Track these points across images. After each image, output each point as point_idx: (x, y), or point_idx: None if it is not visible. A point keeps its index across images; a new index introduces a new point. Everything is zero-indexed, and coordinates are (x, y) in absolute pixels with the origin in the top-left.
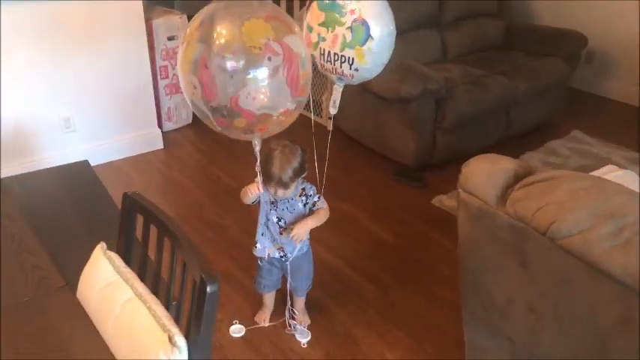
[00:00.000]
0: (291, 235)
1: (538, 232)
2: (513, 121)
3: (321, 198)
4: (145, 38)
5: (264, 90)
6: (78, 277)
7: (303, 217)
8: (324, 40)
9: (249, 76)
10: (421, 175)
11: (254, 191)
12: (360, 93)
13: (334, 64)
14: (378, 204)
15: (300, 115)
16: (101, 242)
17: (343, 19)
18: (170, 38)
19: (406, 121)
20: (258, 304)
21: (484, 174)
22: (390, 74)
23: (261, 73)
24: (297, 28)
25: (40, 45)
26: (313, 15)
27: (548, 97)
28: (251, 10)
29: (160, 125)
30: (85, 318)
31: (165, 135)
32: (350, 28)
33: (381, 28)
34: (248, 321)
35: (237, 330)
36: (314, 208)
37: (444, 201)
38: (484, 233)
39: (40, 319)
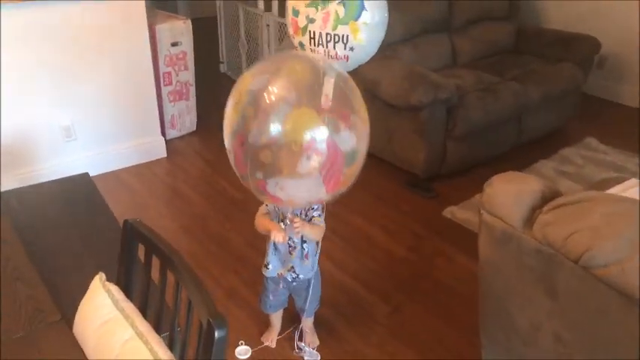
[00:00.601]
0: (294, 226)
1: (569, 260)
2: (525, 128)
3: (322, 216)
4: (147, 44)
5: (294, 184)
6: (75, 307)
7: None
8: (313, 21)
9: (281, 173)
10: (431, 185)
11: (278, 239)
12: (368, 100)
13: (326, 47)
14: (389, 216)
15: None
16: (100, 273)
17: None
18: (174, 44)
19: (416, 129)
20: (265, 323)
21: (509, 195)
22: (399, 81)
23: (295, 171)
24: (357, 119)
25: (40, 51)
26: None
27: (560, 103)
28: (310, 92)
29: (163, 133)
30: (82, 357)
31: (169, 143)
32: (342, 2)
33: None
34: (254, 341)
35: (243, 352)
36: (310, 221)
37: (455, 212)
38: (508, 257)
39: (34, 357)
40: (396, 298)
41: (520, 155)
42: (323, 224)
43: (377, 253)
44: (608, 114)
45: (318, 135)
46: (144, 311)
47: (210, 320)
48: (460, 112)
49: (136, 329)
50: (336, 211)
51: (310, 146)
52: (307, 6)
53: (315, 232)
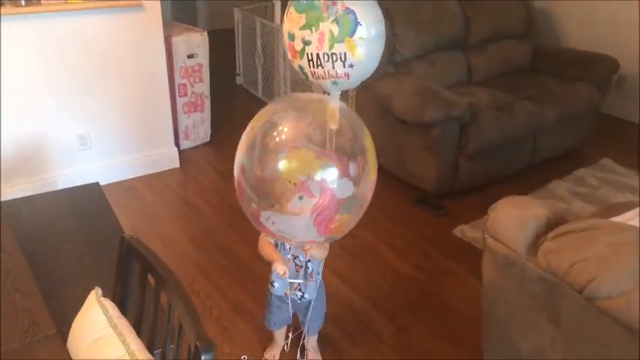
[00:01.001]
0: (305, 247)
1: (573, 289)
2: (540, 147)
3: None
4: (164, 55)
5: (287, 221)
6: (72, 321)
7: None
8: (309, 43)
9: (272, 207)
10: (442, 202)
11: (279, 271)
12: (380, 116)
13: (325, 67)
14: (397, 233)
15: None
16: (96, 288)
17: (325, 14)
18: (190, 56)
19: (427, 146)
20: (268, 338)
21: (513, 220)
22: (411, 98)
23: (286, 208)
24: (357, 170)
25: (58, 61)
26: (292, 20)
27: (576, 123)
28: (312, 135)
29: (177, 143)
30: None
31: (182, 153)
32: (335, 20)
33: (368, 13)
34: (257, 356)
35: None
36: None
37: (465, 231)
38: (512, 283)
39: None
40: (402, 317)
41: (534, 175)
42: (327, 243)
43: (384, 270)
44: (626, 134)
45: (313, 177)
46: (138, 328)
47: (197, 344)
48: (473, 130)
49: (127, 348)
50: None
51: (303, 187)
52: (301, 28)
53: (322, 251)
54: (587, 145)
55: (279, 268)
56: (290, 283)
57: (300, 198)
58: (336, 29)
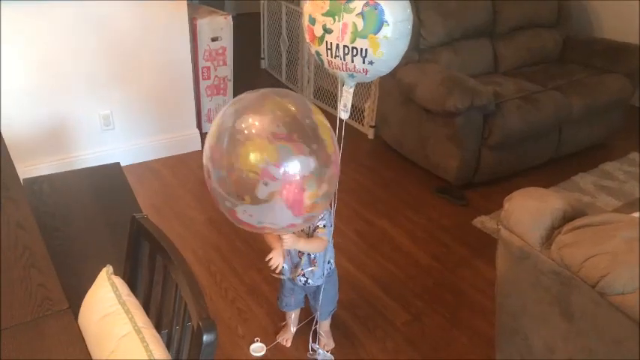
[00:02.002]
0: (283, 242)
1: (586, 284)
2: (566, 140)
3: (327, 229)
4: (188, 38)
5: (261, 210)
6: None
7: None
8: (330, 32)
9: (244, 200)
10: (463, 193)
11: (273, 262)
12: (403, 103)
13: (344, 60)
14: (417, 222)
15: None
16: (107, 265)
17: (352, 5)
18: (214, 39)
19: (450, 135)
20: (282, 322)
21: (528, 212)
22: (435, 86)
23: (256, 198)
24: (314, 146)
25: (84, 41)
26: (316, 4)
27: (605, 115)
28: (266, 121)
29: (199, 126)
30: (82, 348)
31: (204, 136)
32: (361, 14)
33: (397, 11)
34: (270, 339)
35: (257, 349)
36: (314, 233)
37: (486, 223)
38: (525, 276)
39: (36, 343)
40: (417, 306)
41: (558, 167)
42: (325, 237)
43: (400, 258)
44: None
45: (271, 162)
46: (147, 307)
47: (200, 323)
48: (497, 120)
49: (134, 325)
50: (361, 212)
51: (265, 172)
52: (324, 15)
53: (311, 246)
54: (616, 138)
55: (274, 260)
56: (294, 268)
57: (266, 184)
58: (360, 23)
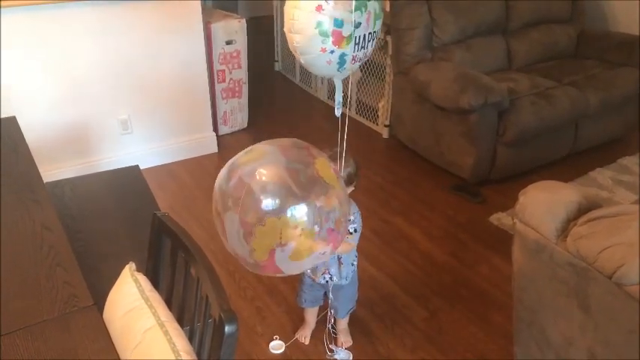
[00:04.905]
0: None
1: (603, 275)
2: (583, 135)
3: (356, 234)
4: (203, 41)
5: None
6: (108, 293)
7: None
8: (359, 25)
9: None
10: (479, 190)
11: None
12: (417, 102)
13: (367, 48)
14: (433, 220)
15: (354, 121)
16: (130, 262)
17: None
18: (228, 42)
19: (465, 132)
20: (300, 320)
21: (543, 204)
22: (449, 83)
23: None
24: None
25: (101, 46)
26: (342, 4)
27: (622, 109)
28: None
29: (215, 129)
30: (108, 342)
31: (221, 139)
32: None
33: None
34: (289, 337)
35: (276, 346)
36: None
37: (502, 219)
38: (541, 269)
39: (63, 339)
40: (434, 303)
41: (575, 163)
42: (353, 242)
43: (417, 256)
44: None
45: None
46: (169, 303)
47: (222, 315)
48: (512, 117)
49: (157, 319)
50: (376, 210)
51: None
52: (356, 9)
53: (339, 250)
54: (633, 132)
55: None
56: (315, 268)
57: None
58: (377, 6)
